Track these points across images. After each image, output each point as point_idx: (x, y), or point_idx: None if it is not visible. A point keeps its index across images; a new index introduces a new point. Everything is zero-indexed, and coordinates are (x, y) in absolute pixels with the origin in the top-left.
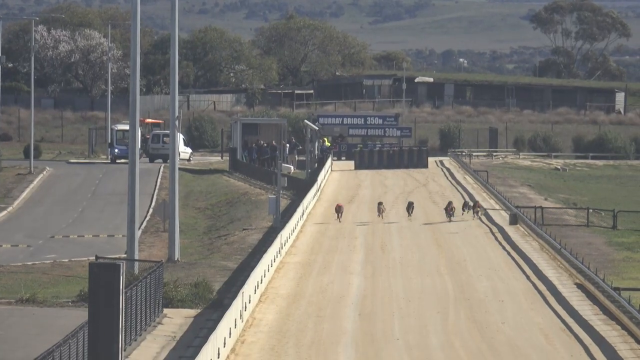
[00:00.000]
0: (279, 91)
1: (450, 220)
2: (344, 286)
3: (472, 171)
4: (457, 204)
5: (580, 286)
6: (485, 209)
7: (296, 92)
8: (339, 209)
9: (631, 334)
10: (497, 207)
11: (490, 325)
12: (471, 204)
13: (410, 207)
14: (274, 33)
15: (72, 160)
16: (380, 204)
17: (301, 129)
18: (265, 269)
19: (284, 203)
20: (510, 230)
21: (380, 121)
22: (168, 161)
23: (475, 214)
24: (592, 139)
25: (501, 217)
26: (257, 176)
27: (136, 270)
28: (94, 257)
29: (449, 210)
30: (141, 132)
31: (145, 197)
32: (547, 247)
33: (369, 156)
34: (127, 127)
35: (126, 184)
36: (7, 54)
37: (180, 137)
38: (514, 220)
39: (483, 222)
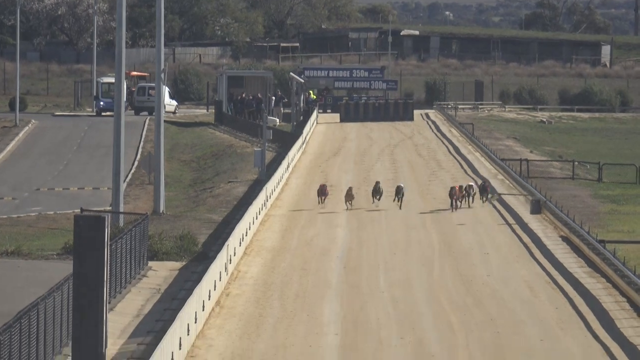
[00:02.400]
0: (265, 44)
1: (454, 209)
2: (329, 239)
3: (458, 124)
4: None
5: (565, 239)
6: (499, 195)
7: (282, 45)
8: (322, 191)
9: (616, 286)
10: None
11: (475, 278)
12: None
13: (399, 192)
14: None
15: (57, 113)
16: (349, 190)
17: (287, 81)
18: (251, 222)
19: (269, 156)
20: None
21: (366, 74)
22: (153, 114)
23: (485, 198)
24: (577, 91)
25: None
26: (242, 129)
27: (121, 223)
28: (79, 210)
29: (457, 196)
30: (127, 85)
31: (130, 149)
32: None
33: (355, 109)
34: (112, 80)
35: (111, 136)
36: None
37: (165, 90)
38: (536, 208)
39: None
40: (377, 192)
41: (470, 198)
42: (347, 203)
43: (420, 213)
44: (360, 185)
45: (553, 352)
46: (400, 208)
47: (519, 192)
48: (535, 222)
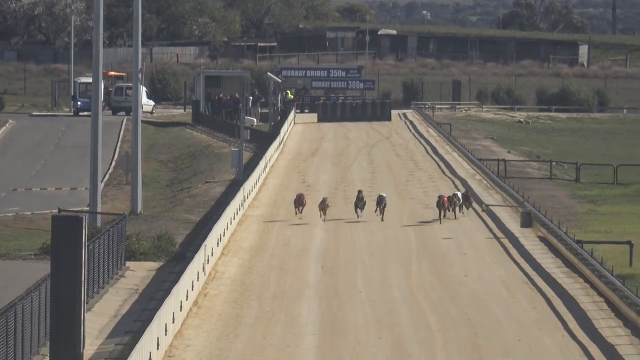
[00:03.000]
0: (242, 44)
1: (443, 217)
2: (307, 239)
3: (435, 124)
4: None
5: (542, 239)
6: (488, 206)
7: (259, 44)
8: (299, 201)
9: (593, 286)
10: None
11: (452, 278)
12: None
13: (381, 202)
14: None
15: (34, 113)
16: (324, 200)
17: (264, 81)
18: (228, 222)
19: (246, 156)
20: (509, 221)
21: (344, 74)
22: (131, 114)
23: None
24: (555, 91)
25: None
26: (220, 129)
27: (99, 223)
28: (57, 210)
29: (444, 205)
30: (104, 84)
31: (108, 149)
32: (510, 200)
33: (332, 109)
34: (90, 80)
35: (89, 136)
36: None
37: (143, 90)
38: (527, 221)
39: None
40: (360, 202)
41: (457, 208)
42: (322, 213)
43: (398, 213)
44: (338, 185)
45: (531, 351)
46: (382, 220)
47: (508, 204)
48: (512, 223)
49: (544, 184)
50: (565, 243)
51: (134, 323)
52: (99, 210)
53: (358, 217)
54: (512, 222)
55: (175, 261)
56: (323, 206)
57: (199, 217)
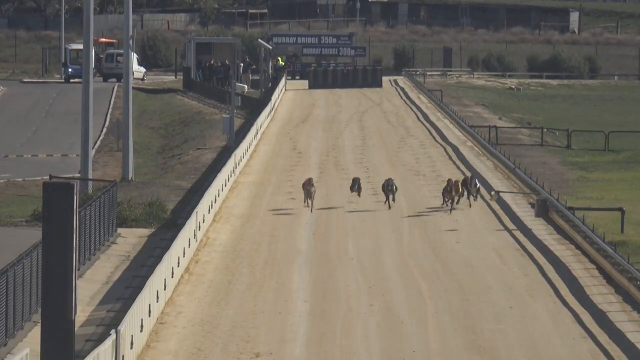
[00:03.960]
0: (233, 11)
1: (451, 206)
2: (298, 206)
3: (427, 90)
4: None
5: (534, 206)
6: (498, 193)
7: (250, 11)
8: (308, 188)
9: (585, 253)
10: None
11: (444, 245)
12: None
13: (355, 184)
14: None
15: (25, 80)
16: (308, 182)
17: (255, 48)
18: (219, 189)
19: (237, 122)
20: (536, 225)
21: (335, 40)
22: (122, 80)
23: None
24: (546, 58)
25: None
26: (211, 95)
27: (90, 190)
28: (48, 177)
29: (450, 195)
30: (95, 51)
31: (99, 116)
32: (501, 167)
33: (323, 75)
34: (80, 47)
35: (80, 103)
36: None
37: (134, 57)
38: (542, 210)
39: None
40: (355, 187)
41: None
42: (307, 200)
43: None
44: (329, 152)
45: (522, 318)
46: (389, 207)
47: (520, 191)
48: (504, 189)
49: (535, 150)
50: (556, 210)
51: (126, 290)
52: (90, 176)
53: (305, 202)
54: (500, 185)
55: (167, 228)
56: (307, 191)
57: (190, 184)
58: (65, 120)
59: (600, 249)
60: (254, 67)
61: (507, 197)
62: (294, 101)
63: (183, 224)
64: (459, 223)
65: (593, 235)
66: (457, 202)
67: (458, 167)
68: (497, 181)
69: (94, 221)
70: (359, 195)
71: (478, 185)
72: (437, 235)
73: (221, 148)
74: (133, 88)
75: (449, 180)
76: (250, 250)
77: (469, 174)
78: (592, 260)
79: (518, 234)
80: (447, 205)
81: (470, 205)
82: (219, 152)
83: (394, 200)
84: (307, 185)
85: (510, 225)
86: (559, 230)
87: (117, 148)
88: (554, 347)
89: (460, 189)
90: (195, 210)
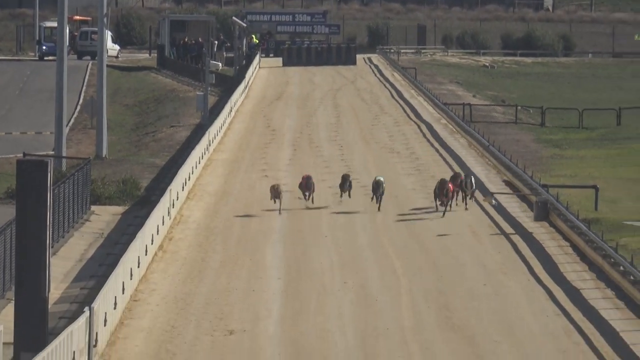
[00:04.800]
0: None
1: (445, 209)
2: (272, 183)
3: (401, 68)
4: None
5: (508, 183)
6: (493, 195)
7: None
8: (307, 185)
9: (559, 230)
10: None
11: (418, 223)
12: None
13: (345, 183)
14: None
15: None
16: (275, 187)
17: (229, 26)
18: (193, 166)
19: (211, 100)
20: (474, 165)
21: (309, 18)
22: (96, 58)
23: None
24: (520, 36)
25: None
26: (185, 73)
27: (64, 167)
28: (22, 154)
29: (447, 194)
30: (69, 29)
31: (73, 94)
32: (475, 144)
33: (297, 53)
34: (55, 24)
35: (54, 81)
36: None
37: (108, 34)
38: (542, 213)
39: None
40: (345, 185)
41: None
42: (274, 200)
43: (363, 157)
44: (303, 129)
45: (496, 296)
46: (379, 209)
47: (517, 192)
48: (478, 167)
49: (509, 128)
50: (530, 187)
51: (99, 267)
52: (64, 154)
53: (341, 197)
54: (476, 165)
55: (141, 205)
56: (275, 193)
57: (164, 161)
58: (39, 98)
59: (574, 226)
60: (228, 44)
61: (481, 175)
62: (268, 79)
63: (157, 202)
64: (433, 202)
65: (567, 213)
66: (450, 206)
67: (432, 145)
68: (472, 159)
69: (67, 199)
70: (348, 195)
71: (474, 187)
72: (410, 213)
73: (195, 125)
74: (107, 66)
75: (442, 181)
76: (224, 228)
77: (459, 172)
78: (566, 238)
79: (491, 210)
80: (441, 207)
81: (466, 208)
82: (192, 130)
83: (380, 201)
84: (275, 189)
85: (484, 203)
86: (532, 207)
87: (90, 126)
88: (528, 324)
89: (451, 190)
90: (169, 188)
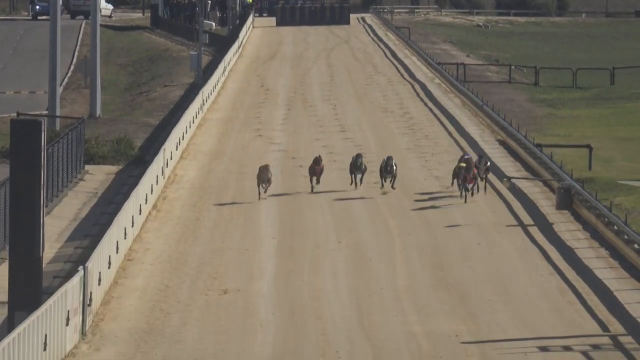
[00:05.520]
0: None
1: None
2: (266, 143)
3: (394, 28)
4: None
5: (502, 143)
6: (509, 179)
7: None
8: (314, 170)
9: (553, 190)
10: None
11: (412, 181)
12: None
13: (357, 163)
14: None
15: None
16: (264, 168)
17: None
18: (187, 126)
19: (205, 60)
20: (468, 124)
21: None
22: (89, 17)
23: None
24: None
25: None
26: (178, 32)
27: (58, 127)
28: (16, 114)
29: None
30: None
31: (66, 53)
32: (469, 104)
33: (291, 13)
34: None
35: (48, 40)
36: None
37: None
38: (565, 201)
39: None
40: (357, 169)
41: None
42: (261, 186)
43: (357, 117)
44: (297, 89)
45: (490, 254)
46: (393, 187)
47: (536, 176)
48: (472, 126)
49: (503, 87)
50: (524, 147)
51: (93, 227)
52: (57, 113)
53: (352, 183)
54: (470, 125)
55: (135, 165)
56: (263, 177)
57: (158, 121)
58: (32, 58)
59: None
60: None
61: (475, 135)
62: (261, 38)
63: (151, 161)
64: (427, 162)
65: (561, 172)
66: (472, 192)
67: (426, 104)
68: (465, 118)
69: (61, 158)
70: (360, 180)
71: (488, 164)
72: (405, 171)
73: (189, 85)
74: (100, 25)
75: (467, 164)
76: (217, 187)
77: (467, 153)
78: (538, 176)
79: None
80: (466, 192)
81: (485, 192)
82: (186, 89)
83: (393, 181)
84: (263, 172)
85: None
86: (526, 167)
87: (84, 85)
88: (522, 283)
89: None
90: (162, 147)
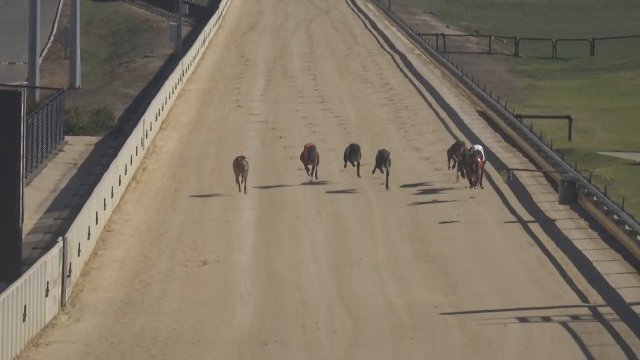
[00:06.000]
0: None
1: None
2: (245, 114)
3: None
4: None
5: (482, 113)
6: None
7: None
8: (309, 156)
9: (532, 161)
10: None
11: (391, 152)
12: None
13: (383, 161)
14: None
15: None
16: (239, 160)
17: None
18: (167, 96)
19: (185, 30)
20: (448, 96)
21: None
22: None
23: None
24: None
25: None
26: (158, 3)
27: (37, 98)
28: None
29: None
30: None
31: (46, 24)
32: (449, 75)
33: None
34: None
35: (27, 11)
36: None
37: None
38: (569, 195)
39: None
40: (356, 156)
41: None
42: (239, 179)
43: (337, 88)
44: (276, 60)
45: (470, 225)
46: (387, 187)
47: (538, 169)
48: (452, 98)
49: (483, 58)
50: (504, 117)
51: (73, 197)
52: (37, 84)
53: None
54: (450, 96)
55: (114, 135)
56: (239, 168)
57: (138, 92)
58: (12, 29)
59: (548, 157)
60: None
61: (455, 106)
62: (241, 9)
63: (130, 132)
64: (407, 133)
65: (540, 143)
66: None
67: (405, 75)
68: (445, 89)
69: (41, 129)
70: (358, 172)
71: (484, 159)
72: (384, 141)
73: (169, 56)
74: None
75: (471, 154)
76: (197, 158)
77: (461, 140)
78: (538, 166)
79: (465, 140)
80: (476, 186)
81: (481, 186)
82: (166, 60)
83: (387, 175)
84: (238, 163)
85: (457, 133)
86: (506, 137)
87: (64, 56)
88: (502, 254)
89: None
90: (142, 118)
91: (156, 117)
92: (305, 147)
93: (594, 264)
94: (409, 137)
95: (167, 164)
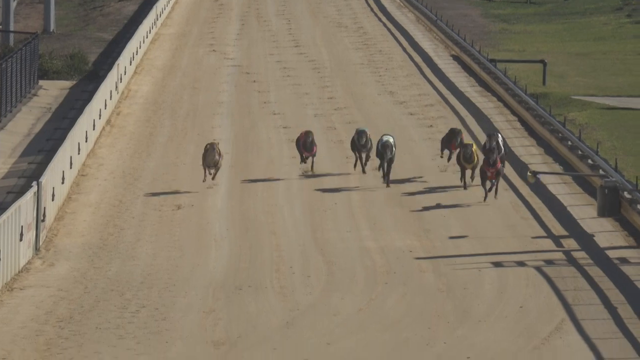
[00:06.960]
0: None
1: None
2: (220, 58)
3: None
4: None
5: (456, 58)
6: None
7: None
8: (305, 145)
9: (507, 105)
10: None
11: (365, 97)
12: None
13: (384, 155)
14: None
15: None
16: (210, 147)
17: None
18: (141, 41)
19: None
20: (422, 40)
21: None
22: None
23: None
24: None
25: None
26: None
27: (11, 42)
28: None
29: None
30: None
31: None
32: (423, 19)
33: None
34: None
35: None
36: None
37: None
38: (610, 206)
39: None
40: (363, 147)
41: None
42: (208, 171)
43: (311, 32)
44: (251, 4)
45: (444, 170)
46: (387, 184)
47: (410, 11)
48: (426, 42)
49: (456, 2)
50: (478, 62)
51: (47, 142)
52: (11, 28)
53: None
54: (424, 40)
55: (88, 80)
56: (209, 158)
57: (112, 36)
58: None
59: (522, 101)
60: None
61: (429, 50)
62: None
63: (104, 76)
64: (382, 77)
65: (515, 87)
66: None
67: (380, 19)
68: (419, 34)
69: (15, 73)
70: (363, 168)
71: (502, 150)
72: (359, 87)
73: (143, 0)
74: None
75: (464, 146)
76: (171, 102)
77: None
78: (514, 112)
79: (440, 85)
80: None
81: (495, 197)
82: (140, 4)
83: (388, 172)
84: (209, 152)
85: (432, 77)
86: (480, 82)
87: (38, 0)
88: (476, 198)
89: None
90: (116, 62)
91: (130, 62)
92: (301, 133)
93: (569, 208)
94: (383, 81)
95: (141, 108)
